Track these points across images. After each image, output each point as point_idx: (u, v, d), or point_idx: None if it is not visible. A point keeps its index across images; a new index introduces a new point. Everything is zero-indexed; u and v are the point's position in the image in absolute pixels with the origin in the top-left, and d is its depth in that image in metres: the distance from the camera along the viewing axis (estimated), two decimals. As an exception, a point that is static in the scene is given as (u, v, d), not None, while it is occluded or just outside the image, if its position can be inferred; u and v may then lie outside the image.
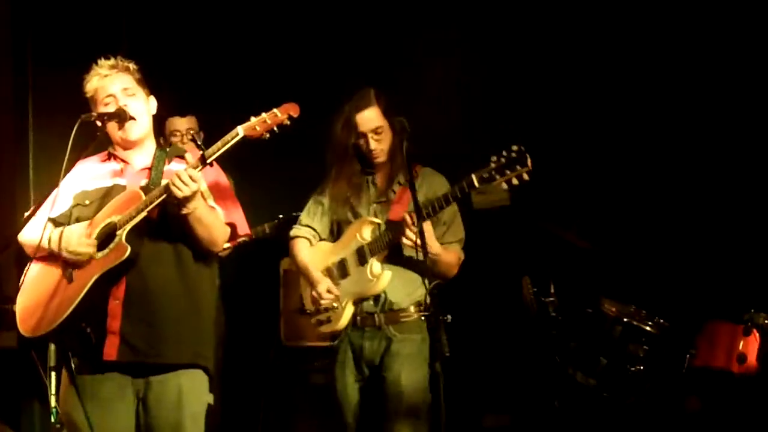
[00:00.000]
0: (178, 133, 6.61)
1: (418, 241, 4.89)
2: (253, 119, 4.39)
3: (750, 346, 5.87)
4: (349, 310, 5.36)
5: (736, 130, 6.74)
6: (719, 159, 6.75)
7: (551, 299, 6.37)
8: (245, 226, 4.86)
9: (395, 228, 5.23)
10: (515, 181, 4.91)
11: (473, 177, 4.98)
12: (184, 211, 4.44)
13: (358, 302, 5.37)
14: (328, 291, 5.38)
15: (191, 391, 4.63)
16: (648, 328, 6.09)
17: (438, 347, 4.43)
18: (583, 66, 7.16)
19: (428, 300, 4.81)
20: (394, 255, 5.33)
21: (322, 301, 5.39)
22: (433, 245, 5.17)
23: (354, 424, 5.37)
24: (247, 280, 7.15)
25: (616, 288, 6.35)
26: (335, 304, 5.38)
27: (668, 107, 6.94)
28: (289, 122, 4.39)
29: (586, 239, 6.52)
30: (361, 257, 5.35)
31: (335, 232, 5.59)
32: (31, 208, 4.59)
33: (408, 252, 5.28)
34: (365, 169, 5.51)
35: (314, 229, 5.62)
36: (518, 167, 4.88)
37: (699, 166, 6.80)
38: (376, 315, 5.33)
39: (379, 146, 5.42)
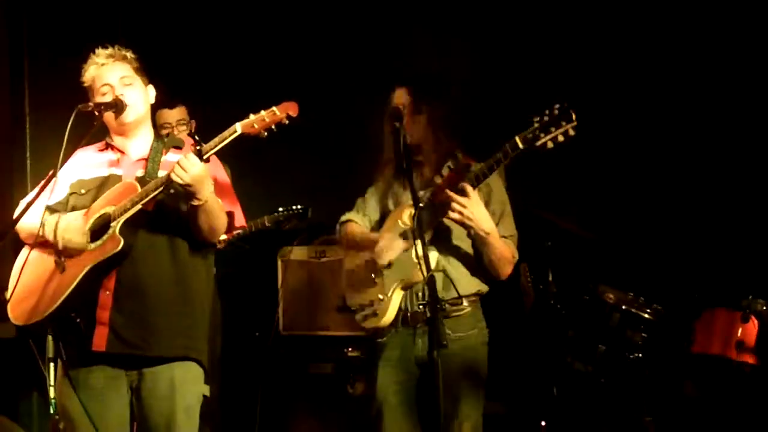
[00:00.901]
0: (168, 126, 6.58)
1: (468, 214, 4.79)
2: (251, 116, 4.37)
3: (748, 332, 5.88)
4: (396, 301, 5.02)
5: (733, 118, 6.75)
6: (717, 146, 6.75)
7: (549, 287, 6.37)
8: (242, 218, 4.86)
9: (440, 207, 4.89)
10: (561, 138, 4.65)
11: (517, 139, 4.70)
12: (197, 202, 4.42)
13: (406, 288, 5.05)
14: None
15: (184, 384, 4.62)
16: (646, 315, 6.10)
17: (436, 336, 4.38)
18: (582, 56, 7.16)
19: (425, 289, 4.70)
20: (442, 244, 5.03)
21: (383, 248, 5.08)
22: (485, 222, 4.89)
23: (394, 425, 5.09)
24: (245, 269, 7.13)
25: (614, 275, 6.36)
26: (380, 296, 5.05)
27: (666, 95, 6.94)
28: (287, 121, 4.36)
29: (584, 227, 6.52)
30: (405, 242, 5.03)
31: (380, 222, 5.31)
32: (29, 196, 4.60)
33: (457, 240, 5.01)
34: (410, 163, 5.04)
35: (366, 216, 5.34)
36: (563, 123, 4.64)
37: (697, 153, 6.80)
38: (425, 308, 4.95)
39: (409, 126, 5.10)
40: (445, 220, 4.95)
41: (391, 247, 5.08)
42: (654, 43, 6.99)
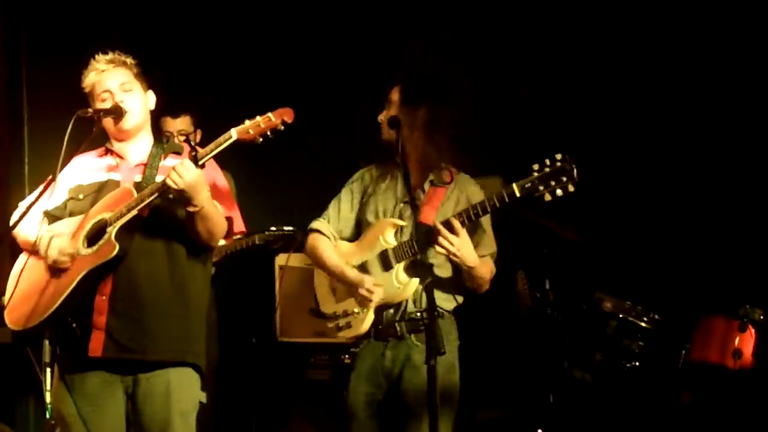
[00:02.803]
0: (168, 134, 6.58)
1: (453, 251, 4.79)
2: (247, 122, 4.36)
3: (745, 341, 5.89)
4: (370, 316, 5.07)
5: (731, 127, 6.75)
6: (714, 155, 6.76)
7: (546, 294, 6.36)
8: (241, 223, 4.88)
9: (424, 233, 4.85)
10: (559, 193, 4.63)
11: (515, 187, 4.70)
12: (193, 208, 4.42)
13: (380, 309, 5.10)
14: (376, 285, 5.04)
15: (179, 389, 4.61)
16: (643, 324, 6.11)
17: (433, 344, 4.38)
18: (581, 66, 7.17)
19: (423, 297, 4.71)
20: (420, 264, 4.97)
21: (374, 297, 5.03)
22: (470, 256, 4.91)
23: None
24: (241, 275, 7.13)
25: (611, 283, 6.36)
26: (356, 309, 5.11)
27: (663, 106, 6.95)
28: (283, 127, 4.35)
29: (582, 234, 6.51)
30: (386, 262, 5.08)
31: (357, 228, 5.33)
32: (28, 200, 4.60)
33: (433, 259, 4.98)
34: (394, 165, 5.20)
35: (339, 233, 5.33)
36: (563, 179, 4.62)
37: (694, 161, 6.81)
38: (397, 324, 5.07)
39: (383, 120, 5.16)
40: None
41: (373, 272, 5.12)
42: (652, 53, 7.00)
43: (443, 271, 5.07)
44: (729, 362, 5.89)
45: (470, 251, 4.89)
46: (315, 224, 5.34)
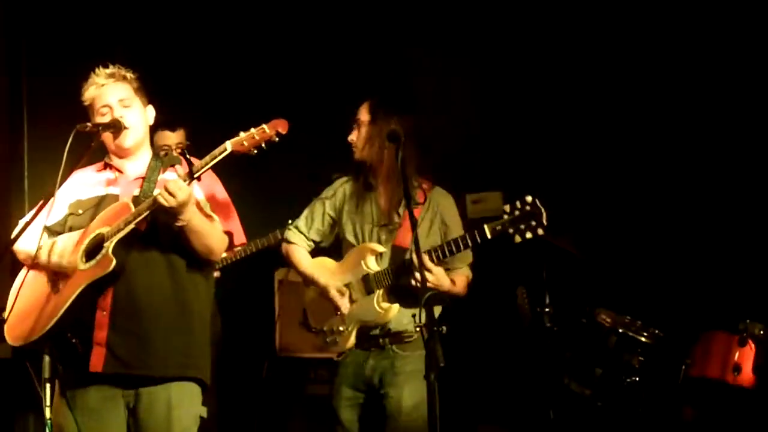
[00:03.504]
0: (167, 147, 6.59)
1: (428, 285, 4.91)
2: (241, 134, 4.36)
3: (745, 356, 5.88)
4: (354, 333, 5.33)
5: (730, 144, 6.75)
6: (714, 168, 6.76)
7: (546, 309, 6.36)
8: (241, 235, 4.87)
9: (401, 262, 5.19)
10: (528, 236, 4.89)
11: (486, 228, 4.97)
12: (179, 223, 4.42)
13: (364, 329, 5.33)
14: (339, 292, 5.35)
15: (181, 404, 4.60)
16: (643, 339, 6.09)
17: (433, 358, 4.40)
18: (582, 80, 7.18)
19: (422, 311, 4.75)
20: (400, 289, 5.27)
21: (340, 303, 5.34)
22: (444, 284, 5.19)
23: None
24: (241, 289, 7.12)
25: (611, 298, 6.35)
26: (341, 328, 5.34)
27: (662, 121, 6.95)
28: (277, 138, 4.35)
29: (581, 248, 6.51)
30: (368, 286, 5.31)
31: (334, 242, 5.57)
32: (27, 216, 4.59)
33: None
34: (368, 184, 5.44)
35: (309, 239, 5.58)
36: (533, 223, 4.87)
37: (694, 176, 6.81)
38: (380, 338, 5.32)
39: (354, 140, 5.40)
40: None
41: (347, 294, 5.38)
42: (652, 69, 7.01)
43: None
44: (729, 377, 5.88)
45: (444, 279, 5.22)
46: (287, 234, 5.64)
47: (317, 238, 5.59)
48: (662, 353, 6.13)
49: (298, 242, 5.58)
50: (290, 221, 6.15)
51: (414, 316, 5.13)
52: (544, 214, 4.85)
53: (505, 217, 4.91)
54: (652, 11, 7.04)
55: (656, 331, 6.11)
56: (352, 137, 5.43)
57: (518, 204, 4.88)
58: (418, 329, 4.73)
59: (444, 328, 4.92)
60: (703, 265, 6.64)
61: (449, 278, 5.27)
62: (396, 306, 5.22)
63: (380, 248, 5.33)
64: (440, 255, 5.09)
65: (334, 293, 5.37)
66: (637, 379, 6.10)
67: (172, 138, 6.57)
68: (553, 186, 7.03)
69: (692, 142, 6.84)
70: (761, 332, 5.87)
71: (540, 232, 4.86)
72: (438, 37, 7.45)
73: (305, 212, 5.62)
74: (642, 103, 7.01)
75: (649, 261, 6.79)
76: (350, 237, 5.44)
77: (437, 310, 5.22)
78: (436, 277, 5.12)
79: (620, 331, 6.12)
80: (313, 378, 7.11)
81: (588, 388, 6.17)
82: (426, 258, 5.02)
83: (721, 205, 6.72)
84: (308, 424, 7.05)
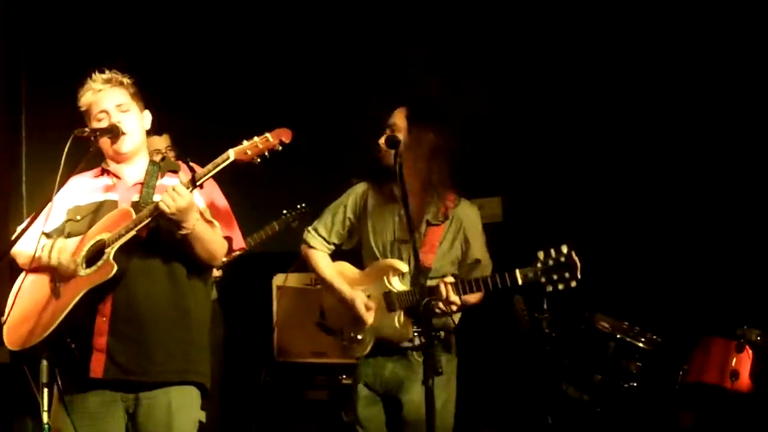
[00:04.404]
0: (158, 152, 6.61)
1: (448, 311, 5.01)
2: (245, 143, 4.35)
3: (743, 362, 5.89)
4: (371, 345, 5.29)
5: (727, 151, 6.76)
6: (713, 175, 6.76)
7: (544, 315, 6.36)
8: (241, 240, 4.87)
9: (424, 288, 4.99)
10: (560, 287, 4.82)
11: (518, 274, 4.90)
12: (183, 231, 4.42)
13: (380, 339, 5.29)
14: (366, 306, 5.29)
15: (181, 409, 4.58)
16: (641, 345, 6.10)
17: (431, 364, 4.39)
18: (580, 90, 7.19)
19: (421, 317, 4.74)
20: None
21: (365, 316, 5.29)
22: (466, 303, 5.18)
23: None
24: (239, 295, 7.12)
25: (609, 304, 6.35)
26: (360, 336, 5.30)
27: (660, 127, 6.96)
28: (281, 148, 4.34)
29: (579, 255, 6.51)
30: (390, 303, 5.25)
31: (356, 244, 5.52)
32: (26, 222, 4.58)
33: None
34: (390, 191, 5.34)
35: (329, 242, 5.51)
36: (566, 275, 4.79)
37: (692, 180, 6.82)
38: (420, 338, 5.19)
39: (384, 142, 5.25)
40: None
41: (373, 308, 5.31)
42: (649, 77, 7.02)
43: None
44: (726, 383, 5.89)
45: (465, 299, 5.14)
46: (307, 237, 5.54)
47: (337, 242, 5.53)
48: (660, 359, 6.13)
49: (318, 246, 5.50)
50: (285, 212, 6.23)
51: (414, 323, 5.15)
52: (579, 267, 4.78)
53: (539, 265, 4.83)
54: (650, 23, 7.05)
55: (654, 337, 6.11)
56: (382, 141, 5.29)
57: (553, 253, 4.81)
58: (416, 335, 4.76)
59: (442, 333, 4.95)
60: (700, 271, 6.64)
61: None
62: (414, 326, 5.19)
63: (404, 268, 5.25)
64: (465, 290, 5.05)
65: (360, 307, 5.29)
66: (635, 384, 6.10)
67: (159, 142, 6.58)
68: (552, 192, 7.06)
69: (690, 149, 6.86)
70: (758, 338, 5.88)
71: (573, 284, 4.79)
72: (438, 43, 7.46)
73: (325, 215, 5.54)
74: (639, 108, 7.02)
75: (647, 267, 6.80)
76: (373, 247, 5.38)
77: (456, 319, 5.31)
78: (458, 306, 5.10)
79: (618, 337, 6.13)
80: (312, 384, 7.10)
81: (586, 393, 6.17)
82: (452, 291, 5.02)
83: (718, 212, 6.72)
84: (307, 429, 7.05)
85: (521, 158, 7.25)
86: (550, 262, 4.80)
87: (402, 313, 5.21)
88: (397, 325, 5.21)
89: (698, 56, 6.90)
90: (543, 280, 4.82)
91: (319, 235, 5.50)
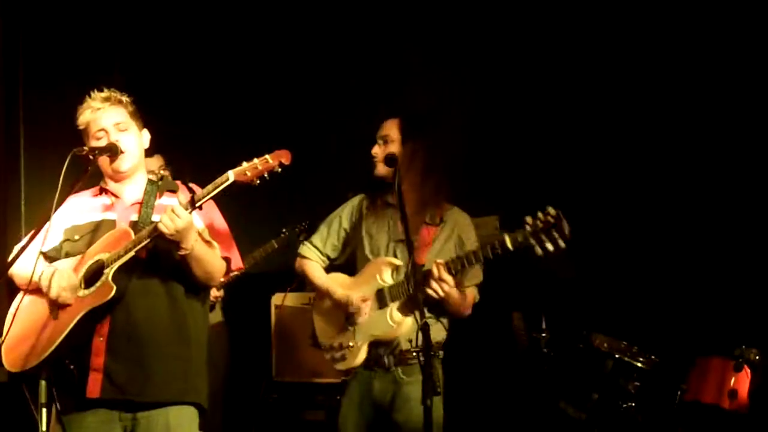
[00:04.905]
0: (152, 173, 6.61)
1: (442, 294, 4.97)
2: (244, 164, 4.36)
3: (741, 381, 5.88)
4: (364, 350, 5.23)
5: (724, 168, 6.76)
6: (711, 195, 6.76)
7: (542, 334, 6.37)
8: (239, 260, 4.88)
9: (419, 276, 5.03)
10: (550, 248, 4.74)
11: (507, 239, 4.84)
12: (182, 252, 4.43)
13: (374, 344, 5.24)
14: (363, 300, 5.25)
15: (179, 428, 4.58)
16: (639, 364, 6.10)
17: (430, 383, 4.39)
18: (577, 107, 7.20)
19: (419, 336, 4.73)
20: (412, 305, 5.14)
21: (363, 309, 5.25)
22: (453, 294, 5.10)
23: None
24: (238, 314, 7.12)
25: (607, 323, 6.35)
26: (351, 343, 5.26)
27: (656, 145, 6.96)
28: (280, 169, 4.35)
29: (577, 274, 6.53)
30: (381, 300, 5.23)
31: (349, 259, 5.53)
32: (24, 241, 4.58)
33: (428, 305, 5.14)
34: (385, 201, 5.40)
35: (324, 254, 5.55)
36: (555, 234, 4.72)
37: (690, 201, 6.82)
38: (385, 357, 5.23)
39: (378, 155, 5.33)
40: None
41: (367, 305, 5.27)
42: (642, 91, 7.03)
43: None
44: (725, 403, 5.88)
45: (455, 292, 5.10)
46: (302, 250, 5.58)
47: (332, 255, 5.56)
48: (658, 378, 6.14)
49: (313, 257, 5.54)
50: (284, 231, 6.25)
51: (410, 341, 5.14)
52: (567, 226, 4.71)
53: (528, 228, 4.76)
54: (644, 34, 7.06)
55: (652, 357, 6.12)
56: (376, 151, 5.36)
57: (540, 215, 4.75)
58: (415, 354, 4.75)
59: (441, 353, 4.96)
60: (698, 291, 6.64)
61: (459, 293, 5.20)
62: (409, 320, 5.11)
63: (397, 261, 5.25)
64: (458, 266, 4.99)
65: (355, 300, 5.26)
66: (633, 404, 6.10)
67: (152, 163, 6.54)
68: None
69: (686, 167, 6.85)
70: (757, 357, 5.87)
71: (562, 244, 4.71)
72: (434, 59, 7.47)
73: (321, 227, 5.58)
74: (636, 128, 7.02)
75: (646, 287, 6.79)
76: (367, 253, 5.39)
77: (440, 331, 5.28)
78: (451, 288, 5.03)
79: (616, 356, 6.13)
80: (309, 404, 7.09)
81: (584, 412, 6.17)
82: (443, 269, 4.98)
83: (716, 232, 6.72)
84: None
85: (518, 177, 7.26)
86: (539, 224, 4.74)
87: (394, 309, 5.18)
88: (389, 320, 5.16)
89: (689, 76, 6.92)
90: (532, 241, 4.75)
91: (314, 246, 5.55)
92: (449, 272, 5.00)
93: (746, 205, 6.69)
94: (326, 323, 5.47)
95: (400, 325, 5.14)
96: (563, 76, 7.24)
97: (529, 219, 4.77)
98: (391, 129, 5.36)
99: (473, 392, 6.98)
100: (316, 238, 5.56)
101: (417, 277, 4.98)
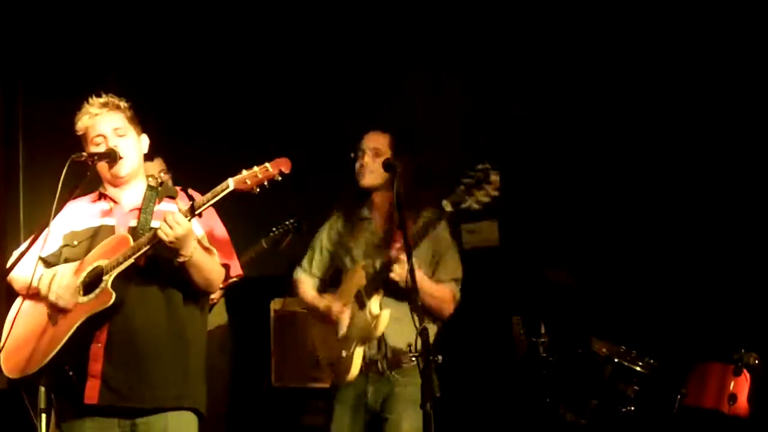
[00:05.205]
0: (153, 178, 6.59)
1: (406, 276, 4.94)
2: (244, 172, 4.35)
3: (740, 386, 5.88)
4: (358, 355, 5.32)
5: (724, 172, 6.76)
6: (709, 200, 6.76)
7: (542, 339, 6.36)
8: (238, 267, 4.87)
9: (387, 267, 5.23)
10: (485, 199, 4.93)
11: (445, 203, 5.03)
12: (181, 258, 4.43)
13: (365, 343, 5.34)
14: (343, 305, 5.43)
15: (177, 434, 4.59)
16: (638, 369, 6.09)
17: (429, 388, 4.40)
18: (576, 113, 7.19)
19: (418, 340, 4.75)
20: (393, 301, 5.30)
21: (342, 317, 5.40)
22: (423, 283, 5.12)
23: None
24: (237, 319, 7.11)
25: (606, 328, 6.35)
26: (344, 352, 5.35)
27: (655, 152, 6.96)
28: (280, 178, 4.34)
29: (576, 279, 6.52)
30: (360, 301, 5.35)
31: (335, 275, 5.67)
32: (23, 246, 4.58)
33: (405, 297, 5.18)
34: (364, 214, 5.57)
35: (312, 273, 5.73)
36: (484, 185, 4.90)
37: (689, 206, 6.82)
38: (379, 362, 5.35)
39: (370, 165, 5.47)
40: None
41: (347, 310, 5.44)
42: (641, 98, 7.03)
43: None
44: (724, 407, 5.88)
45: (426, 282, 5.26)
46: (294, 274, 5.81)
47: (319, 273, 5.73)
48: (657, 383, 6.13)
49: (303, 278, 5.75)
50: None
51: (410, 345, 5.18)
52: (493, 174, 4.90)
53: (461, 188, 4.96)
54: (639, 38, 7.07)
55: (651, 361, 6.10)
56: (367, 161, 5.50)
57: (470, 173, 4.95)
58: (414, 359, 4.76)
59: (440, 357, 4.95)
60: (697, 295, 6.64)
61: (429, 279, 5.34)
62: (386, 311, 5.23)
63: (371, 263, 5.41)
64: (412, 244, 5.01)
65: (335, 308, 5.45)
66: (633, 408, 6.09)
67: (153, 167, 6.51)
68: (549, 216, 7.06)
69: (685, 173, 6.85)
70: (756, 362, 5.87)
71: (493, 192, 4.92)
72: (430, 68, 7.47)
73: (308, 252, 5.77)
74: (636, 134, 7.02)
75: (644, 291, 6.78)
76: (348, 264, 5.54)
77: (432, 329, 5.26)
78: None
79: (615, 360, 6.12)
80: (309, 409, 7.09)
81: (583, 417, 6.16)
82: (401, 251, 5.06)
83: (715, 236, 6.72)
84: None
85: (517, 181, 7.25)
86: (470, 181, 4.93)
87: (371, 305, 5.27)
88: (369, 317, 5.26)
89: (680, 79, 6.92)
90: (467, 198, 4.94)
91: (303, 269, 5.75)
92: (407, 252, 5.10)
93: (744, 211, 6.68)
94: (322, 341, 5.60)
95: (378, 318, 5.24)
96: (565, 83, 7.23)
97: (463, 179, 4.96)
98: (379, 141, 5.52)
99: (472, 397, 6.98)
100: (305, 261, 5.76)
101: (381, 265, 5.26)
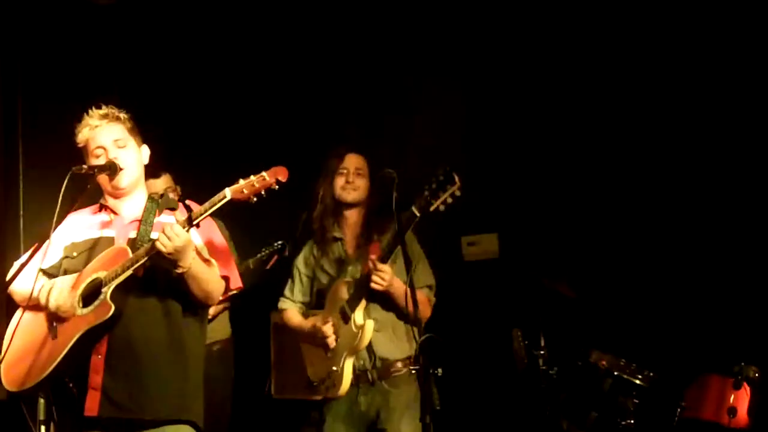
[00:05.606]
0: (156, 196, 6.58)
1: (385, 284, 5.25)
2: (241, 181, 4.34)
3: (740, 399, 5.88)
4: (348, 368, 5.40)
5: (723, 181, 6.76)
6: (709, 213, 6.77)
7: (541, 352, 6.36)
8: (238, 279, 4.86)
9: (368, 278, 5.36)
10: (450, 200, 5.08)
11: (412, 208, 5.16)
12: (179, 270, 4.42)
13: (353, 355, 5.42)
14: (326, 322, 5.51)
15: (176, 447, 4.58)
16: (638, 381, 6.09)
17: (428, 400, 4.41)
18: (574, 125, 7.20)
19: (418, 353, 4.77)
20: (378, 311, 5.47)
21: (328, 332, 5.48)
22: (394, 283, 5.36)
23: None
24: (236, 332, 7.10)
25: (606, 340, 6.35)
26: (335, 367, 5.41)
27: (652, 162, 6.96)
28: (277, 186, 4.33)
29: (576, 291, 6.52)
30: (344, 315, 5.44)
31: (318, 297, 5.78)
32: (23, 258, 4.58)
33: (390, 307, 5.46)
34: (335, 234, 5.72)
35: (296, 301, 5.86)
36: (448, 186, 5.06)
37: (688, 217, 6.82)
38: (368, 372, 5.42)
39: (356, 182, 5.67)
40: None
41: (331, 325, 5.54)
42: (638, 106, 7.03)
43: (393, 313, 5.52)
44: (724, 420, 5.88)
45: (396, 279, 5.39)
46: (280, 305, 5.94)
47: (303, 299, 5.87)
48: (657, 396, 6.12)
49: (288, 306, 5.88)
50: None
51: (409, 358, 5.22)
52: (456, 175, 5.08)
53: (426, 192, 5.13)
54: (637, 42, 7.07)
55: (651, 374, 6.10)
56: (353, 179, 5.70)
57: (433, 177, 5.12)
58: (414, 372, 4.77)
59: (440, 370, 4.96)
60: (697, 307, 6.64)
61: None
62: (370, 322, 5.36)
63: (350, 278, 5.56)
64: (387, 251, 5.32)
65: (319, 324, 5.54)
66: (633, 421, 6.08)
67: (159, 184, 6.47)
68: (549, 229, 7.06)
69: (684, 185, 6.85)
70: (756, 375, 5.87)
71: (456, 192, 5.09)
72: (428, 78, 7.47)
73: (288, 281, 5.91)
74: (635, 146, 7.02)
75: (644, 304, 6.79)
76: (327, 283, 5.71)
77: (412, 345, 5.39)
78: (390, 276, 5.33)
79: (615, 373, 6.12)
80: (308, 421, 7.07)
81: (583, 430, 6.15)
82: (377, 260, 5.30)
83: (715, 249, 6.72)
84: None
85: (518, 194, 7.26)
86: (434, 185, 5.11)
87: (355, 316, 5.39)
88: (354, 329, 5.37)
89: (678, 84, 6.93)
90: (433, 201, 5.11)
91: (287, 298, 5.88)
92: (383, 261, 5.30)
93: (744, 223, 6.69)
94: (313, 362, 5.67)
95: (363, 328, 5.35)
96: (564, 96, 7.24)
97: (426, 185, 5.15)
98: (360, 162, 5.76)
99: (472, 409, 6.97)
100: (287, 290, 5.90)
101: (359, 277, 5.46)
